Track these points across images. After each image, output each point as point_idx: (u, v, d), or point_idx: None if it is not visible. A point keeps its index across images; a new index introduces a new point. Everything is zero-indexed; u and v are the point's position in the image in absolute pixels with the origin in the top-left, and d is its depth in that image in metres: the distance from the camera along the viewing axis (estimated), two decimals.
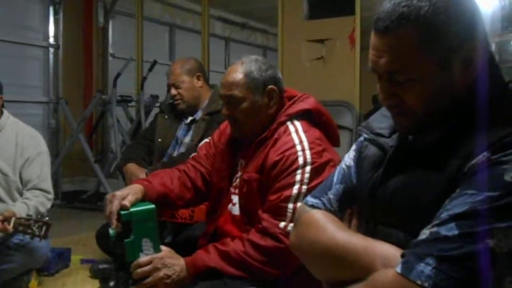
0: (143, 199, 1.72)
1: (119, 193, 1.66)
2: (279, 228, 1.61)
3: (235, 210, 1.80)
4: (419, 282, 0.82)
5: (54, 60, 5.97)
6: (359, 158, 1.15)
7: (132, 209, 1.62)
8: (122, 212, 1.60)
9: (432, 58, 0.93)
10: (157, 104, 5.60)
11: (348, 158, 1.19)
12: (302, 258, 1.11)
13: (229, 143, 1.89)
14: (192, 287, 1.62)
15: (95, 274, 2.86)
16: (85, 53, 6.25)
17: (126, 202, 1.62)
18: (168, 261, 1.61)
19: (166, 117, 2.93)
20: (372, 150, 1.12)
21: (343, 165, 1.19)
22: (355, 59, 4.17)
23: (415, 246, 0.87)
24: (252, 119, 1.79)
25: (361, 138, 1.18)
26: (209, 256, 1.64)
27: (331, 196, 1.15)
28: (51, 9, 5.93)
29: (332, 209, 1.13)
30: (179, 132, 2.86)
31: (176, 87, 2.82)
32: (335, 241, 1.02)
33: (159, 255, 1.61)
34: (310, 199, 1.17)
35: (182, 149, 2.80)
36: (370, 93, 6.25)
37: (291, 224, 1.57)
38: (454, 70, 0.94)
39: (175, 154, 2.82)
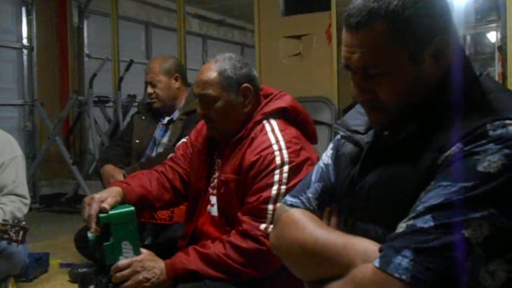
0: (123, 202, 1.70)
1: (97, 195, 1.64)
2: (260, 230, 1.60)
3: (214, 211, 1.79)
4: (397, 275, 0.83)
5: (28, 61, 5.87)
6: (337, 156, 1.16)
7: (111, 212, 1.60)
8: (101, 215, 1.59)
9: (403, 52, 0.94)
10: (135, 104, 5.56)
11: (326, 157, 1.19)
12: (282, 258, 1.10)
13: (206, 143, 1.88)
14: None
15: (75, 278, 2.82)
16: (60, 54, 6.16)
17: (106, 205, 1.61)
18: (148, 264, 1.60)
19: (143, 117, 2.91)
20: (349, 147, 1.13)
21: (321, 163, 1.19)
22: (332, 54, 4.18)
23: (392, 240, 0.87)
24: (227, 118, 1.77)
25: (338, 136, 1.19)
26: (189, 259, 1.62)
27: (309, 195, 1.15)
28: (23, 10, 5.82)
29: (311, 207, 1.13)
30: (157, 133, 2.84)
31: (153, 86, 2.80)
32: (314, 239, 1.01)
33: (138, 258, 1.60)
34: (289, 199, 1.16)
35: (160, 150, 2.78)
36: (349, 88, 6.25)
37: (272, 226, 1.57)
38: (426, 63, 0.95)
39: (153, 155, 2.80)
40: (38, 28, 5.90)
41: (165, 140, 2.79)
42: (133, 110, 5.39)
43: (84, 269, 2.79)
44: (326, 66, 4.21)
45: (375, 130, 1.06)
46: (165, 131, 2.82)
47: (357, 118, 1.13)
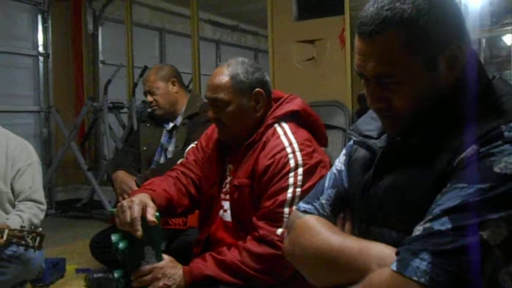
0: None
1: (136, 199, 1.59)
2: (276, 235, 1.60)
3: (227, 216, 1.78)
4: (415, 278, 0.82)
5: (44, 68, 5.92)
6: (350, 161, 1.16)
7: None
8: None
9: (418, 60, 0.94)
10: (149, 110, 5.58)
11: (339, 163, 1.19)
12: (296, 264, 1.10)
13: (217, 148, 1.87)
14: None
15: (91, 283, 2.84)
16: (75, 61, 6.21)
17: (151, 210, 1.56)
18: (169, 271, 1.60)
19: (148, 125, 2.94)
20: (361, 152, 1.13)
21: (334, 169, 1.19)
22: (346, 58, 4.17)
23: (409, 243, 0.87)
24: (238, 123, 1.76)
25: (351, 142, 1.19)
26: (206, 265, 1.63)
27: (323, 201, 1.15)
28: (39, 18, 5.89)
29: (325, 214, 1.13)
30: (163, 139, 2.86)
31: (152, 94, 2.83)
32: (329, 245, 1.01)
33: (160, 264, 1.60)
34: (302, 205, 1.17)
35: (169, 156, 2.80)
36: (361, 92, 6.21)
37: (284, 242, 1.57)
38: (440, 70, 0.95)
39: (161, 161, 2.82)
40: (53, 36, 5.96)
41: (171, 146, 2.82)
42: None
43: (100, 274, 2.80)
44: (339, 71, 4.20)
45: (388, 135, 1.06)
46: (170, 138, 2.85)
47: (370, 123, 1.13)
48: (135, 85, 5.32)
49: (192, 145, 2.10)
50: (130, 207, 1.54)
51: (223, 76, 1.75)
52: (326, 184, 1.17)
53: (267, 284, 1.60)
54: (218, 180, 1.83)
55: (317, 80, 4.27)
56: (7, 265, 2.51)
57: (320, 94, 4.08)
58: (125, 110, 5.61)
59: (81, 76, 6.20)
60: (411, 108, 0.97)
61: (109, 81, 5.14)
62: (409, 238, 0.88)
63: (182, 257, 1.72)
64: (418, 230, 0.87)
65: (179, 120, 2.82)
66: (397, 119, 0.99)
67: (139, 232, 1.51)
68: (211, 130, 1.94)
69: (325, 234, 1.05)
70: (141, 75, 5.24)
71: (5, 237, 2.33)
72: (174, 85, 2.84)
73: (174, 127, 2.83)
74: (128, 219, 1.52)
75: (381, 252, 0.93)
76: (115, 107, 5.37)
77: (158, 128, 2.90)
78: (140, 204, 1.56)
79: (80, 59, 6.20)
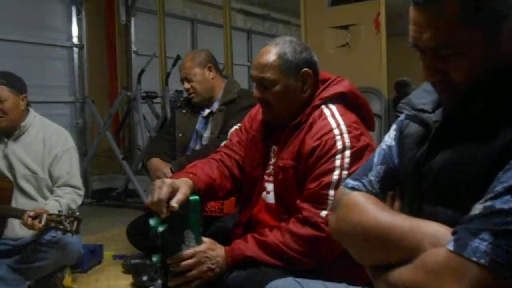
0: (192, 191, 1.64)
1: (168, 180, 1.57)
2: (321, 217, 1.56)
3: (270, 198, 1.75)
4: (474, 259, 0.78)
5: (79, 59, 6.00)
6: (400, 137, 1.11)
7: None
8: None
9: (478, 29, 0.88)
10: (182, 99, 5.60)
11: (389, 138, 1.14)
12: (343, 242, 1.06)
13: (261, 129, 1.83)
14: (228, 274, 1.60)
15: (128, 269, 2.86)
16: (109, 52, 6.28)
17: (181, 194, 1.54)
18: (211, 253, 1.59)
19: (184, 111, 2.92)
20: (414, 127, 1.07)
21: (383, 145, 1.14)
22: (381, 44, 4.08)
23: (467, 222, 0.82)
24: (284, 103, 1.72)
25: (402, 117, 1.14)
26: (247, 246, 1.61)
27: (372, 178, 1.11)
28: (73, 9, 5.96)
29: (373, 190, 1.09)
30: (198, 126, 2.84)
31: (189, 80, 2.81)
32: (378, 222, 0.97)
33: (201, 248, 1.58)
34: (350, 182, 1.12)
35: (204, 143, 2.78)
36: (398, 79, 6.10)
37: (330, 218, 1.53)
38: (502, 39, 0.89)
39: (197, 147, 2.81)
40: (87, 27, 6.03)
41: (207, 133, 2.79)
42: None
43: (137, 260, 2.82)
44: (375, 56, 4.11)
45: (443, 109, 1.01)
46: (206, 124, 2.83)
47: (424, 96, 1.07)
48: (168, 74, 5.33)
49: (235, 127, 2.08)
50: (160, 187, 1.53)
51: (270, 55, 1.70)
52: (375, 160, 1.12)
53: (309, 267, 1.56)
54: (261, 162, 1.79)
55: (351, 67, 4.18)
56: (46, 250, 2.55)
57: (355, 81, 3.95)
58: (158, 100, 5.63)
59: (115, 67, 6.26)
60: (470, 81, 0.91)
61: (142, 71, 5.16)
62: (467, 216, 0.83)
63: (219, 243, 1.69)
64: (477, 208, 0.82)
65: (215, 106, 2.80)
66: (455, 92, 0.94)
67: (164, 214, 1.50)
68: (255, 111, 1.92)
69: (374, 211, 1.00)
70: (173, 65, 5.25)
71: (43, 221, 2.36)
72: (210, 71, 2.82)
73: (211, 113, 2.81)
74: (155, 198, 1.51)
75: (435, 231, 0.88)
76: (149, 97, 5.39)
77: (194, 115, 2.89)
78: (171, 187, 1.54)
79: (113, 50, 6.26)
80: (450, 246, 0.81)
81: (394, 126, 1.15)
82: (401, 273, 0.89)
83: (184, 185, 1.58)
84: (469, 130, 0.92)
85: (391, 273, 0.91)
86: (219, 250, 1.62)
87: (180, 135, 2.89)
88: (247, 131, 1.90)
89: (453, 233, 0.83)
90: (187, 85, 2.82)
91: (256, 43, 8.51)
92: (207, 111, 2.83)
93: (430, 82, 0.99)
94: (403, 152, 1.07)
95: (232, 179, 1.85)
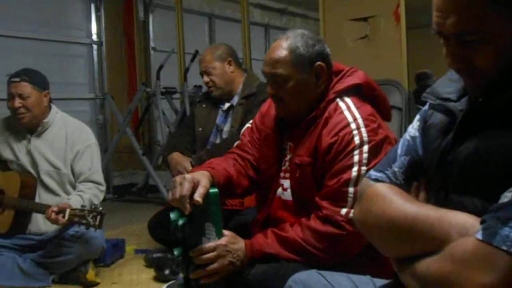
0: (211, 184, 1.63)
1: (188, 176, 1.57)
2: (341, 215, 1.55)
3: (287, 195, 1.73)
4: (504, 248, 0.76)
5: (98, 56, 6.04)
6: (424, 127, 1.09)
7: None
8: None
9: (504, 14, 0.85)
10: (202, 94, 5.61)
11: (412, 129, 1.12)
12: (368, 234, 1.05)
13: (274, 126, 1.80)
14: (250, 269, 1.59)
15: (150, 263, 2.87)
16: (128, 48, 6.31)
17: (202, 187, 1.53)
18: (232, 247, 1.58)
19: (204, 106, 2.93)
20: (438, 117, 1.06)
21: (407, 136, 1.13)
22: (401, 35, 4.02)
23: (496, 211, 0.80)
24: (298, 99, 1.68)
25: (425, 107, 1.12)
26: (266, 241, 1.60)
27: (395, 169, 1.09)
28: (92, 7, 6.00)
29: (397, 182, 1.08)
30: (218, 119, 2.84)
31: (208, 74, 2.81)
32: (403, 213, 0.95)
33: (223, 241, 1.57)
34: (373, 173, 1.11)
35: (224, 136, 2.78)
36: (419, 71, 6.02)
37: (353, 210, 1.51)
38: None
39: (217, 141, 2.81)
40: (106, 24, 6.06)
41: (227, 127, 2.79)
42: None
43: (159, 254, 2.84)
44: (395, 48, 4.06)
45: (469, 97, 0.99)
46: (226, 118, 2.83)
47: (449, 85, 1.05)
48: (187, 70, 5.34)
49: (248, 125, 2.06)
50: (181, 184, 1.52)
51: (282, 49, 1.66)
52: (399, 152, 1.11)
53: (328, 263, 1.54)
54: (277, 159, 1.77)
55: (370, 59, 4.14)
56: (70, 244, 2.59)
57: (374, 73, 3.91)
58: (177, 95, 5.65)
59: (134, 63, 6.30)
60: (496, 68, 0.89)
61: (161, 67, 5.17)
62: (496, 205, 0.81)
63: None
64: (506, 197, 0.80)
65: (235, 100, 2.79)
66: (481, 80, 0.92)
67: (187, 209, 1.49)
68: (266, 108, 1.88)
69: (399, 202, 0.99)
70: (192, 60, 5.26)
71: (66, 216, 2.39)
72: (230, 64, 2.82)
73: (231, 107, 2.81)
74: (177, 195, 1.50)
75: (463, 221, 0.86)
76: (168, 92, 5.41)
77: (213, 109, 2.89)
78: (192, 182, 1.53)
79: (132, 46, 6.30)
80: (479, 235, 0.80)
81: (417, 117, 1.13)
82: (428, 264, 0.88)
83: (204, 178, 1.58)
84: (496, 118, 0.90)
85: (418, 265, 0.90)
86: (240, 244, 1.61)
87: (200, 129, 2.90)
88: (259, 130, 1.86)
89: (482, 222, 0.82)
90: (206, 79, 2.82)
91: (274, 38, 8.45)
92: (227, 105, 2.82)
93: (454, 69, 0.96)
94: (428, 143, 1.06)
95: (248, 178, 1.82)
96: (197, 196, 1.51)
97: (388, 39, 4.11)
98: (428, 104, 1.11)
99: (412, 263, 0.91)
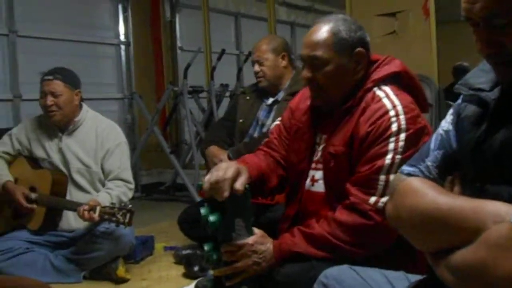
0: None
1: (233, 164, 1.55)
2: (369, 204, 1.50)
3: (317, 187, 1.69)
4: None
5: (126, 56, 6.12)
6: (458, 120, 1.07)
7: None
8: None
9: None
10: (227, 94, 5.63)
11: (446, 123, 1.10)
12: (402, 229, 1.03)
13: (306, 119, 1.75)
14: (279, 269, 1.56)
15: (179, 260, 2.89)
16: (155, 48, 6.38)
17: (241, 180, 1.51)
18: (258, 247, 1.56)
19: (248, 97, 2.90)
20: (471, 109, 1.03)
21: (440, 130, 1.10)
22: (431, 30, 3.96)
23: None
24: (335, 84, 1.63)
25: (458, 101, 1.09)
26: (293, 240, 1.57)
27: (429, 163, 1.07)
28: (120, 8, 6.07)
29: (431, 176, 1.05)
30: (260, 113, 2.82)
31: (260, 64, 2.77)
32: (437, 205, 0.93)
33: (250, 241, 1.55)
34: (406, 168, 1.09)
35: (264, 130, 2.76)
36: (449, 66, 5.92)
37: (383, 199, 1.48)
38: None
39: (255, 135, 2.79)
40: (133, 24, 6.13)
41: (269, 121, 2.75)
42: (226, 100, 5.47)
43: (188, 251, 2.85)
44: (424, 43, 4.00)
45: (502, 87, 0.96)
46: (269, 112, 2.80)
47: (481, 76, 1.02)
48: (213, 69, 5.36)
49: (276, 122, 2.04)
50: (227, 168, 1.50)
51: (323, 32, 1.60)
52: (432, 146, 1.08)
53: (359, 256, 1.50)
54: (309, 152, 1.73)
55: (399, 55, 4.02)
56: (100, 241, 2.62)
57: None
58: (204, 94, 5.67)
59: (161, 63, 6.36)
60: None
61: (188, 65, 5.20)
62: None
63: (270, 232, 1.66)
64: None
65: (280, 95, 2.76)
66: None
67: (226, 193, 1.45)
68: (295, 103, 1.84)
69: (432, 194, 0.96)
70: (218, 59, 5.28)
71: (97, 213, 2.42)
72: (283, 59, 2.78)
73: (275, 102, 2.79)
74: (220, 177, 1.46)
75: (498, 209, 0.83)
76: (195, 91, 5.43)
77: (256, 102, 2.86)
78: (236, 171, 1.50)
79: (159, 46, 6.35)
80: None
81: (451, 111, 1.11)
82: (463, 254, 0.85)
83: (245, 170, 1.55)
84: None
85: (452, 256, 0.87)
86: (268, 244, 1.58)
87: (241, 120, 2.87)
88: (290, 125, 1.82)
89: None
90: (257, 68, 2.79)
91: (300, 36, 8.43)
92: (271, 99, 2.80)
93: (484, 55, 0.94)
94: (462, 135, 1.03)
95: (277, 175, 1.80)
96: (239, 185, 1.48)
97: (417, 34, 4.04)
98: (461, 98, 1.09)
99: (447, 256, 0.89)
